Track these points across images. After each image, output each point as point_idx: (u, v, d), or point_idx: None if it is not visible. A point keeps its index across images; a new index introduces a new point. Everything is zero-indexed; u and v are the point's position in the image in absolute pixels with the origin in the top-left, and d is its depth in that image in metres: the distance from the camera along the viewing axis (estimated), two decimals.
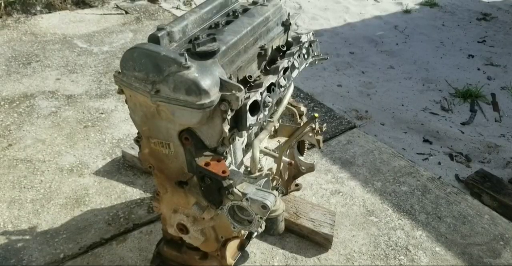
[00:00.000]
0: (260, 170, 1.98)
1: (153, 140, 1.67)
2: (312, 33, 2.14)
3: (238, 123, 1.57)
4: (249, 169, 1.99)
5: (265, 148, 2.16)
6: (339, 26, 5.19)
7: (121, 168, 2.75)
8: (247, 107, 1.53)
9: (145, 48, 1.48)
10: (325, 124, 2.30)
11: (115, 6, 4.95)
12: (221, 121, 1.49)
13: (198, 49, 1.48)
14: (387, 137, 3.28)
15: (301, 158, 2.32)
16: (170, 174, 1.74)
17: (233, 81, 1.52)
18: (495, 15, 5.66)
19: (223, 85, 1.45)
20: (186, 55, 1.41)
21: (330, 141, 3.02)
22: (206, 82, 1.39)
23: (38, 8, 4.78)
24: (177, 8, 5.16)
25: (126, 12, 4.77)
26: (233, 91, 1.43)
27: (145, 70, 1.47)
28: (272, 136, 2.29)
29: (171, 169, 1.71)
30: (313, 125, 2.29)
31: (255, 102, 1.59)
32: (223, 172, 1.51)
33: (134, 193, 2.57)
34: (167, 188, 1.82)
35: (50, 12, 4.77)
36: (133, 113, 1.66)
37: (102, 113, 3.21)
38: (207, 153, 1.56)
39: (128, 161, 2.75)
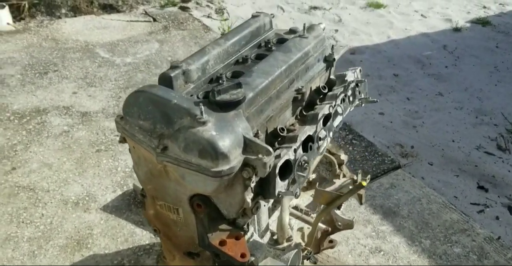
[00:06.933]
0: (289, 239, 1.63)
1: (159, 202, 1.38)
2: (360, 70, 1.79)
3: (264, 190, 1.27)
4: (275, 237, 1.64)
5: (296, 206, 1.80)
6: (382, 43, 4.78)
7: (131, 204, 2.44)
8: (277, 170, 1.21)
9: (153, 93, 1.20)
10: (368, 176, 1.95)
11: (144, 12, 4.67)
12: (243, 189, 1.19)
13: (218, 98, 1.17)
14: (436, 180, 2.87)
15: (338, 211, 1.96)
16: (179, 242, 1.47)
17: (261, 139, 1.20)
18: None
19: (248, 145, 1.16)
20: (202, 107, 1.12)
21: (370, 184, 2.64)
22: (225, 143, 1.10)
23: (63, 11, 4.54)
24: (208, 16, 4.84)
25: (154, 20, 4.48)
26: (260, 155, 1.13)
27: (151, 119, 1.21)
28: (304, 188, 1.94)
29: (180, 237, 1.45)
30: (355, 178, 1.94)
31: (287, 162, 1.26)
32: (242, 255, 1.23)
33: (143, 237, 2.26)
34: (175, 255, 1.52)
35: (75, 16, 4.53)
36: (136, 167, 1.39)
37: (117, 136, 2.90)
38: (224, 226, 1.28)
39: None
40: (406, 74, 4.19)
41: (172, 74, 1.27)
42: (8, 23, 4.15)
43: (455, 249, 2.27)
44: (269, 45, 1.57)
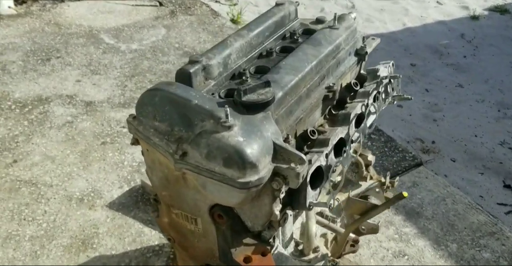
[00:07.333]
0: (316, 250, 1.49)
1: (175, 210, 1.25)
2: (392, 64, 1.64)
3: (293, 200, 1.16)
4: (300, 247, 1.50)
5: (321, 212, 1.66)
6: (398, 31, 4.59)
7: (139, 201, 2.31)
8: (308, 179, 1.09)
9: (171, 92, 1.07)
10: (397, 178, 1.82)
11: None
12: (271, 200, 1.08)
13: (244, 99, 1.03)
14: (459, 178, 2.73)
15: None
16: (196, 254, 1.36)
17: (291, 144, 1.07)
18: None
19: (278, 152, 1.03)
20: (228, 109, 0.98)
21: None
22: (253, 151, 0.98)
23: None
24: (216, 1, 4.66)
25: (161, 4, 4.29)
26: (292, 164, 1.00)
27: (168, 120, 1.08)
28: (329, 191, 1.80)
29: (198, 248, 1.34)
30: (383, 180, 1.81)
31: (318, 168, 1.14)
32: None
33: (152, 237, 2.13)
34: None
35: (78, 0, 4.33)
36: (150, 172, 1.26)
37: (123, 127, 2.75)
38: (248, 240, 1.16)
39: (148, 194, 2.29)
40: (423, 64, 4.02)
41: (191, 70, 1.12)
42: (9, 7, 3.97)
43: (484, 254, 2.13)
44: (295, 37, 1.42)
